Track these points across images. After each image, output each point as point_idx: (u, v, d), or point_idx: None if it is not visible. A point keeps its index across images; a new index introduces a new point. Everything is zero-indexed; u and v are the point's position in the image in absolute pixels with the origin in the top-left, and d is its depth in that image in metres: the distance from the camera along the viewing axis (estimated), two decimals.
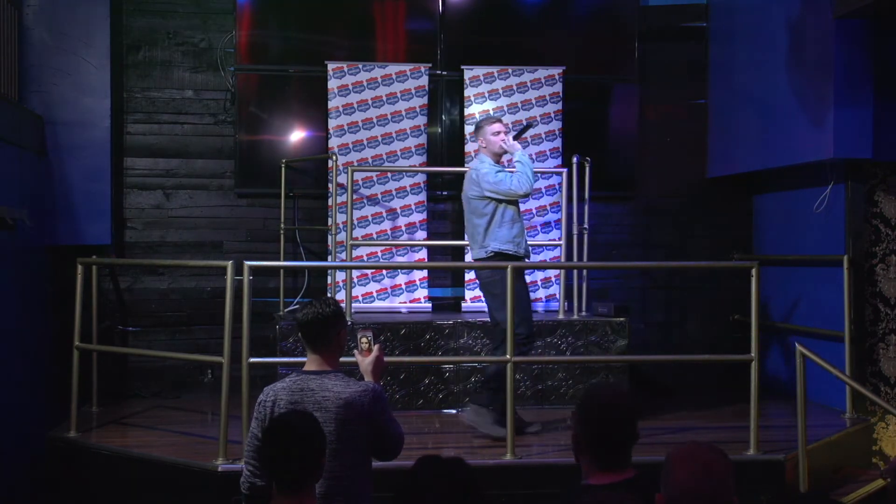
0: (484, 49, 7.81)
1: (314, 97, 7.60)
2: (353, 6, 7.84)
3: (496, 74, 7.58)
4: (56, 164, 6.88)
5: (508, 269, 5.19)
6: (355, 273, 7.05)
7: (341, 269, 6.80)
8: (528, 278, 7.36)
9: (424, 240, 7.43)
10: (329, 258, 7.22)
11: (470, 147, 7.52)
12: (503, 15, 7.93)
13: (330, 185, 7.19)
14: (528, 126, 6.16)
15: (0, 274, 5.85)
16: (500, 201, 5.55)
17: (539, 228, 7.51)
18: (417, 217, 7.44)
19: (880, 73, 6.33)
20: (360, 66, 7.44)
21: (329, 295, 7.00)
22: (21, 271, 6.23)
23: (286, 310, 7.17)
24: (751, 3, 7.50)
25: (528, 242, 7.33)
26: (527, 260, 5.88)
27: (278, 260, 7.44)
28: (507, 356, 5.17)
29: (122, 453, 5.42)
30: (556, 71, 7.61)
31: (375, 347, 3.50)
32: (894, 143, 6.39)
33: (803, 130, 6.62)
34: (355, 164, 7.26)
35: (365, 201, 7.34)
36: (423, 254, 7.50)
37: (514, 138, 5.79)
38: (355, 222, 7.16)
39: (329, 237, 7.17)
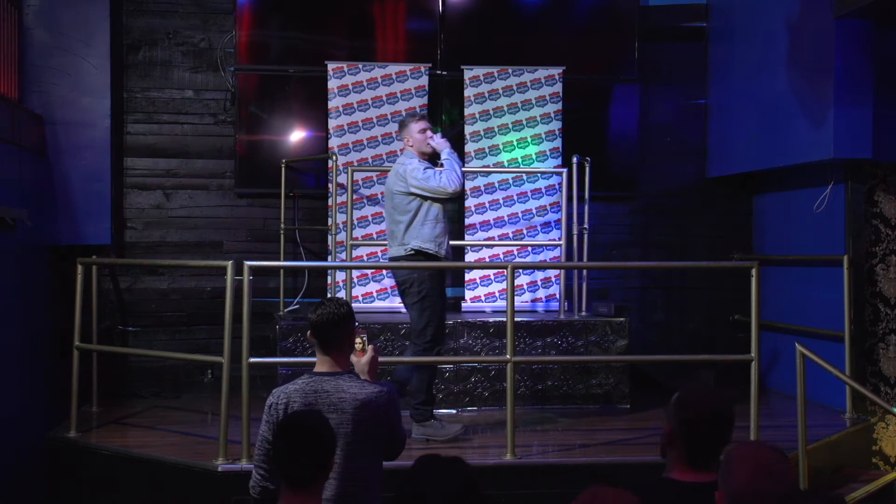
0: (484, 49, 7.81)
1: (314, 97, 7.60)
2: (353, 6, 7.84)
3: (496, 74, 7.58)
4: (56, 164, 6.88)
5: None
6: (355, 273, 7.05)
7: (341, 269, 6.80)
8: (528, 278, 7.42)
9: None
10: (329, 258, 7.22)
11: (470, 147, 7.52)
12: (503, 15, 7.93)
13: (330, 185, 7.19)
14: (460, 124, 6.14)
15: (0, 274, 5.85)
16: (425, 198, 5.35)
17: (539, 228, 7.51)
18: None
19: (880, 73, 6.33)
20: (360, 66, 7.44)
21: (328, 295, 7.00)
22: (21, 271, 6.24)
23: (286, 310, 7.17)
24: (751, 3, 7.50)
25: (530, 242, 7.41)
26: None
27: (278, 260, 7.44)
28: (508, 356, 5.16)
29: (122, 453, 5.42)
30: (556, 71, 7.61)
31: (370, 348, 3.50)
32: (894, 143, 6.39)
33: (803, 130, 6.62)
34: (355, 164, 7.26)
35: (365, 201, 7.34)
36: None
37: (443, 136, 5.63)
38: (355, 222, 7.16)
39: (329, 237, 7.17)
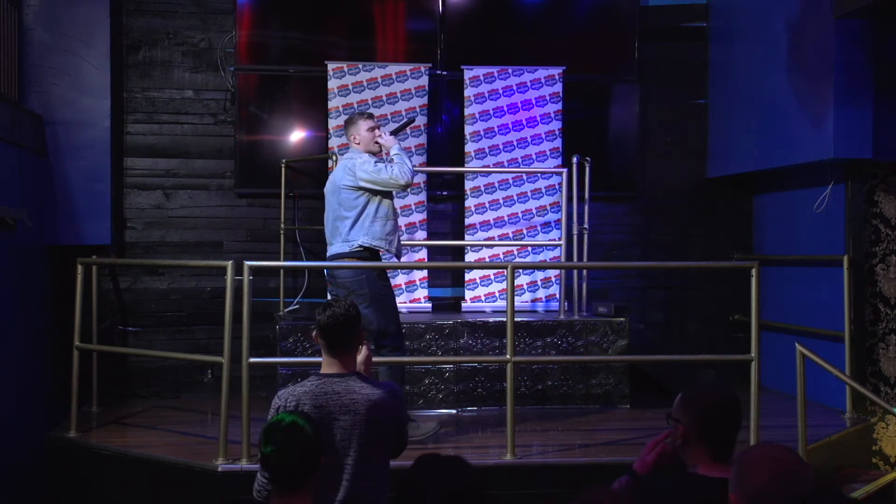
0: (484, 49, 7.81)
1: (314, 97, 7.60)
2: (353, 6, 7.84)
3: (496, 74, 7.58)
4: (56, 164, 6.88)
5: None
6: None
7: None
8: (528, 278, 7.42)
9: (424, 240, 7.43)
10: None
11: (470, 147, 7.52)
12: (503, 15, 7.93)
13: None
14: (411, 120, 6.10)
15: (0, 274, 5.85)
16: (374, 194, 5.25)
17: (539, 228, 7.51)
18: (417, 217, 7.45)
19: (880, 73, 6.33)
20: (360, 66, 7.44)
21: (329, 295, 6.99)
22: (21, 271, 6.24)
23: (286, 310, 7.17)
24: (751, 3, 7.50)
25: (530, 242, 7.41)
26: (394, 261, 5.67)
27: (278, 260, 7.44)
28: (508, 356, 5.16)
29: (122, 453, 5.42)
30: (556, 71, 7.61)
31: (363, 347, 3.50)
32: (894, 143, 6.39)
33: (803, 130, 6.62)
34: None
35: None
36: (423, 254, 7.51)
37: (393, 133, 5.52)
38: None
39: None
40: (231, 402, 5.04)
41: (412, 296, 7.40)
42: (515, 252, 7.46)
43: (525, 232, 7.51)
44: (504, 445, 5.13)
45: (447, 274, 7.77)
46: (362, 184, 5.24)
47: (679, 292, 8.08)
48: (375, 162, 5.29)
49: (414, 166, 5.43)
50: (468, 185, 7.50)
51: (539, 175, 7.52)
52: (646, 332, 7.89)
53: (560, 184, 7.07)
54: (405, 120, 6.11)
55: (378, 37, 7.88)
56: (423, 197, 7.48)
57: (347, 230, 5.30)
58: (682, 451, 2.66)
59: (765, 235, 7.87)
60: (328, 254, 5.49)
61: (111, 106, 7.14)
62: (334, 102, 7.41)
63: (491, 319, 6.66)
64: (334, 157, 7.06)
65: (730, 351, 7.35)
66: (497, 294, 7.40)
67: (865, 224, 6.58)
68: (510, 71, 7.58)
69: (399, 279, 7.34)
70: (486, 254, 7.51)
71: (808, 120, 6.55)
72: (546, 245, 7.39)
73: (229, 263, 5.07)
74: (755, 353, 5.24)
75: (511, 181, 7.50)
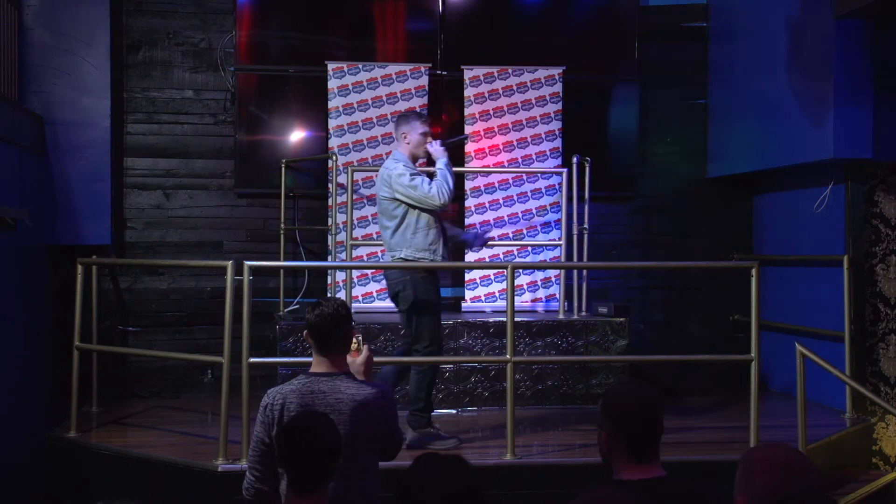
0: (484, 49, 7.81)
1: (314, 97, 7.59)
2: (353, 6, 7.84)
3: (496, 74, 7.58)
4: (56, 164, 6.88)
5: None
6: (355, 273, 7.05)
7: (341, 269, 6.81)
8: (527, 278, 7.42)
9: None
10: (329, 258, 7.22)
11: (470, 147, 7.52)
12: (503, 15, 7.93)
13: (330, 185, 7.19)
14: (465, 138, 6.06)
15: (0, 274, 5.85)
16: (412, 206, 5.18)
17: (539, 228, 7.51)
18: None
19: (880, 73, 6.33)
20: (360, 66, 7.44)
21: (328, 295, 6.99)
22: (21, 271, 6.24)
23: (286, 310, 7.17)
24: (751, 3, 7.50)
25: (530, 242, 7.40)
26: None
27: (278, 260, 7.44)
28: (508, 356, 5.16)
29: (122, 453, 5.42)
30: (556, 71, 7.61)
31: (365, 348, 3.49)
32: (894, 143, 6.39)
33: (803, 130, 6.62)
34: (355, 164, 7.26)
35: (365, 201, 7.34)
36: None
37: (443, 144, 5.37)
38: (355, 222, 7.16)
39: (329, 237, 7.17)
40: (231, 402, 5.04)
41: None
42: (515, 252, 7.46)
43: (525, 232, 7.51)
44: (504, 445, 5.13)
45: (447, 274, 7.77)
46: (398, 196, 5.17)
47: (679, 292, 8.08)
48: (412, 175, 5.15)
49: (450, 187, 5.20)
50: (468, 185, 7.50)
51: (539, 175, 7.52)
52: (646, 332, 7.89)
53: (560, 184, 7.07)
54: (460, 137, 6.08)
55: (378, 37, 7.88)
56: None
57: (389, 240, 5.26)
58: (609, 458, 2.65)
59: (765, 235, 7.87)
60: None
61: (111, 106, 7.13)
62: (334, 102, 7.41)
63: (491, 319, 6.66)
64: (334, 157, 7.06)
65: (730, 351, 7.35)
66: (497, 294, 7.40)
67: (865, 224, 6.58)
68: (510, 71, 7.58)
69: None
70: (486, 254, 7.50)
71: (808, 120, 6.55)
72: (546, 245, 7.39)
73: (229, 263, 5.07)
74: (755, 353, 5.24)
75: (511, 181, 7.50)
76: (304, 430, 2.82)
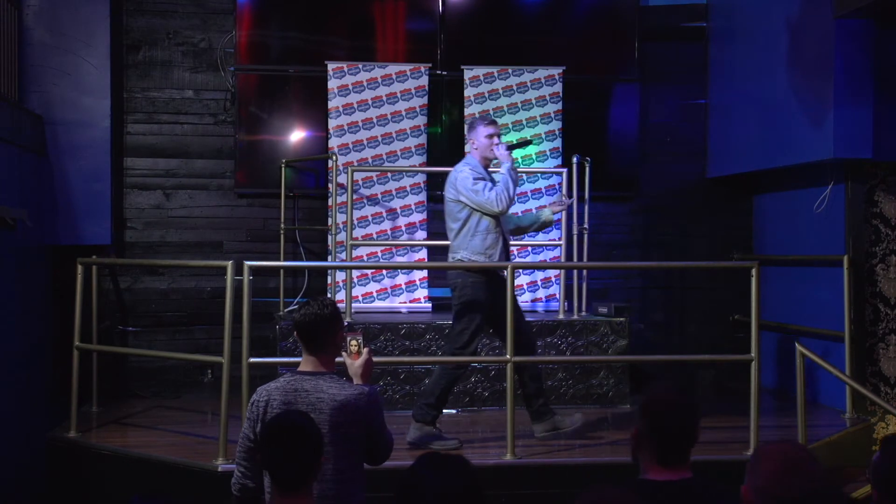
0: (484, 49, 7.81)
1: (314, 97, 7.59)
2: (353, 6, 7.84)
3: (496, 74, 7.57)
4: (56, 164, 6.88)
5: (509, 269, 5.18)
6: (355, 273, 7.05)
7: (341, 269, 6.80)
8: (527, 278, 7.41)
9: (424, 240, 7.43)
10: (329, 258, 7.21)
11: (470, 147, 7.50)
12: (503, 15, 7.93)
13: (330, 185, 7.18)
14: (529, 141, 6.11)
15: (0, 274, 5.85)
16: (475, 209, 5.28)
17: None
18: (417, 217, 7.44)
19: (880, 73, 6.33)
20: (360, 66, 7.44)
21: (328, 295, 6.99)
22: (21, 271, 6.24)
23: (286, 310, 7.17)
24: (751, 3, 7.50)
25: (530, 242, 7.39)
26: (502, 273, 5.48)
27: (278, 260, 7.44)
28: (508, 356, 5.16)
29: (122, 453, 5.42)
30: (556, 71, 7.61)
31: (365, 350, 3.48)
32: (894, 143, 6.39)
33: (803, 130, 6.62)
34: (355, 164, 7.26)
35: (365, 201, 7.34)
36: (423, 254, 7.50)
37: (509, 148, 5.47)
38: (355, 222, 7.16)
39: (329, 237, 7.17)
40: (231, 402, 5.04)
41: (412, 296, 7.39)
42: (515, 252, 7.45)
43: None
44: (504, 445, 5.13)
45: (447, 274, 7.75)
46: (462, 199, 5.30)
47: (679, 292, 8.08)
48: (475, 179, 5.27)
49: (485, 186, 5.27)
50: None
51: (539, 175, 7.52)
52: (646, 332, 7.88)
53: (560, 184, 7.07)
54: (525, 139, 6.12)
55: (378, 37, 7.88)
56: (423, 197, 7.47)
57: (452, 241, 5.41)
58: (637, 456, 2.66)
59: (765, 235, 7.87)
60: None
61: (111, 106, 7.13)
62: (334, 102, 7.41)
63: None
64: (334, 157, 7.06)
65: (730, 351, 7.35)
66: None
67: (865, 224, 6.58)
68: (510, 71, 7.58)
69: (399, 279, 7.35)
70: None
71: (808, 120, 6.55)
72: (546, 245, 7.39)
73: (229, 263, 5.07)
74: (755, 353, 5.24)
75: None
76: (284, 428, 2.82)
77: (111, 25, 7.14)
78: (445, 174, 7.66)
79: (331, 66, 7.41)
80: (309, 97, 7.69)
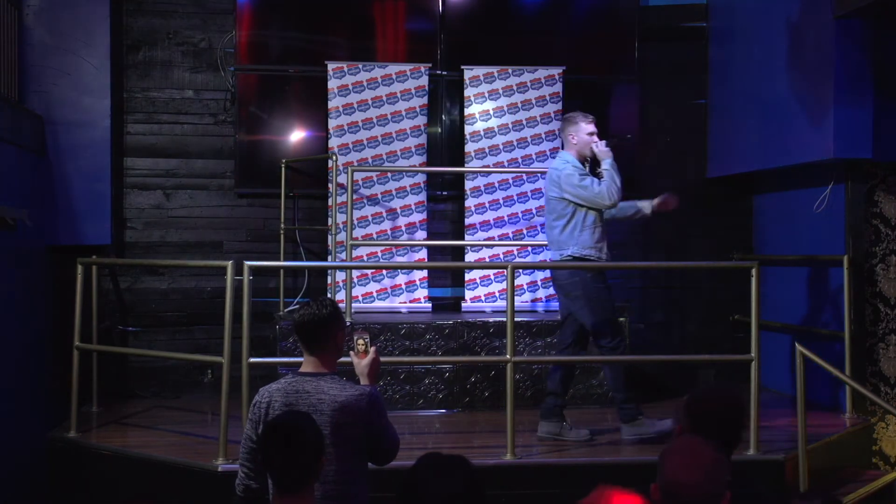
0: (484, 49, 7.81)
1: (314, 97, 7.60)
2: (353, 6, 7.84)
3: (496, 74, 7.58)
4: (56, 164, 6.88)
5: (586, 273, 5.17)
6: (355, 273, 7.05)
7: (341, 269, 6.80)
8: (528, 278, 7.42)
9: (424, 240, 7.43)
10: (329, 258, 7.22)
11: (470, 147, 7.52)
12: (503, 15, 7.93)
13: (330, 185, 7.19)
14: (628, 138, 6.14)
15: (0, 274, 5.85)
16: (580, 205, 5.38)
17: (539, 228, 7.50)
18: (417, 217, 7.45)
19: (880, 73, 6.33)
20: (360, 66, 7.44)
21: (328, 295, 7.00)
22: (21, 271, 6.24)
23: (286, 310, 7.17)
24: (751, 3, 7.50)
25: (530, 242, 7.40)
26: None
27: (278, 260, 7.44)
28: (508, 356, 5.16)
29: (122, 453, 5.42)
30: (556, 71, 7.61)
31: (372, 350, 3.46)
32: (894, 143, 6.39)
33: (803, 130, 6.62)
34: (355, 164, 7.26)
35: (365, 201, 7.34)
36: (423, 254, 7.50)
37: (608, 144, 5.55)
38: (355, 222, 7.16)
39: (329, 237, 7.17)
40: (231, 402, 5.04)
41: (412, 296, 7.40)
42: (515, 252, 7.46)
43: (525, 232, 7.51)
44: (504, 445, 5.13)
45: (447, 274, 7.77)
46: (567, 196, 5.35)
47: (679, 292, 8.08)
48: (581, 175, 5.34)
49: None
50: (468, 185, 7.51)
51: (539, 175, 7.51)
52: (646, 332, 7.89)
53: None
54: (624, 136, 6.16)
55: (378, 37, 7.88)
56: (423, 197, 7.47)
57: (557, 238, 5.45)
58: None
59: (765, 235, 7.87)
60: (549, 257, 5.69)
61: (111, 106, 7.13)
62: (334, 102, 7.41)
63: (491, 319, 6.66)
64: (334, 157, 7.06)
65: (730, 351, 7.35)
66: (497, 294, 7.40)
67: (865, 224, 6.58)
68: (510, 71, 7.58)
69: (399, 279, 7.35)
70: (486, 254, 7.51)
71: (808, 120, 6.55)
72: (546, 245, 7.37)
73: (229, 263, 5.07)
74: (755, 353, 5.24)
75: (511, 181, 7.50)
76: (285, 429, 2.82)
77: (111, 25, 7.14)
78: (446, 174, 7.76)
79: (331, 66, 7.42)
80: (309, 97, 7.70)
